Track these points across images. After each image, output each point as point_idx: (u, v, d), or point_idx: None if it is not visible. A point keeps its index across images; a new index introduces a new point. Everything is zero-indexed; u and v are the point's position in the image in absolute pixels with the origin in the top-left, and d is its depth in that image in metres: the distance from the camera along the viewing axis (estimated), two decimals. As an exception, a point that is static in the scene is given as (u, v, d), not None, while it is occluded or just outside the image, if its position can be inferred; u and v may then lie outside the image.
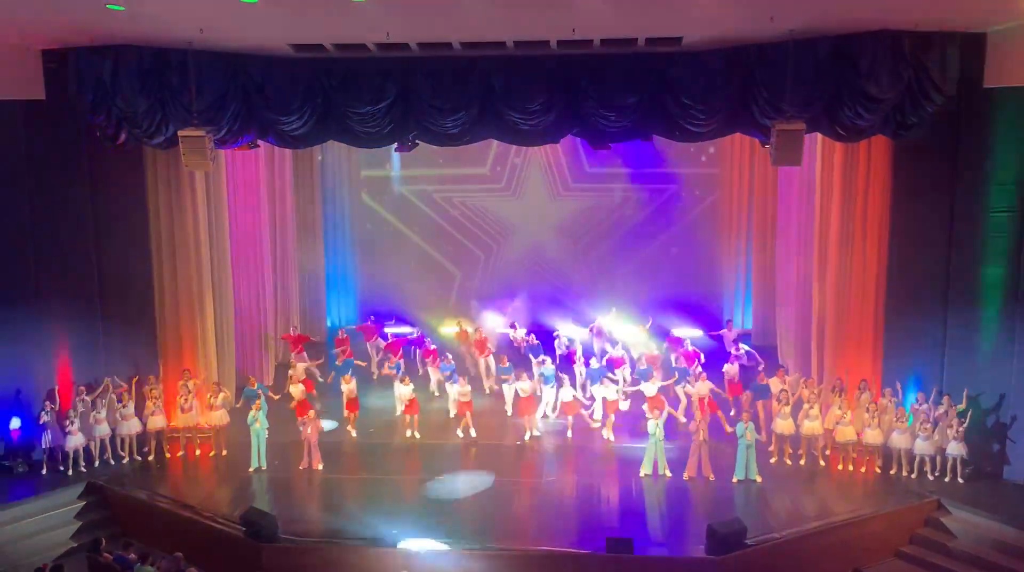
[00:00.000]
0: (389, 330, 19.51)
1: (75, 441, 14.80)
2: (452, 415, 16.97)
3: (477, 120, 14.46)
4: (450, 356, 17.93)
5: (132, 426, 15.40)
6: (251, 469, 15.12)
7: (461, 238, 22.23)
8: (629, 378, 17.26)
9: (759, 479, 14.44)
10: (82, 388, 15.32)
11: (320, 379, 18.03)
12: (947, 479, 14.12)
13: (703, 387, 16.12)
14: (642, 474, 14.67)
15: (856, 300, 15.31)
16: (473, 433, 16.31)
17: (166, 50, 13.79)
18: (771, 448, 15.20)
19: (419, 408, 16.50)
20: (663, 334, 19.01)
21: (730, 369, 17.03)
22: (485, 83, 14.12)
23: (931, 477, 14.22)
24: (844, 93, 13.18)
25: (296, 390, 16.21)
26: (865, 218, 15.03)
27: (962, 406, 14.12)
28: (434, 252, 22.34)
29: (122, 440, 15.40)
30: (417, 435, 16.34)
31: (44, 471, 14.80)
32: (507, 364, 17.37)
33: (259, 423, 15.12)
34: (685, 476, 14.54)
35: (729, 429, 14.96)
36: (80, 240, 15.48)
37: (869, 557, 12.97)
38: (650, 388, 16.03)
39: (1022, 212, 13.81)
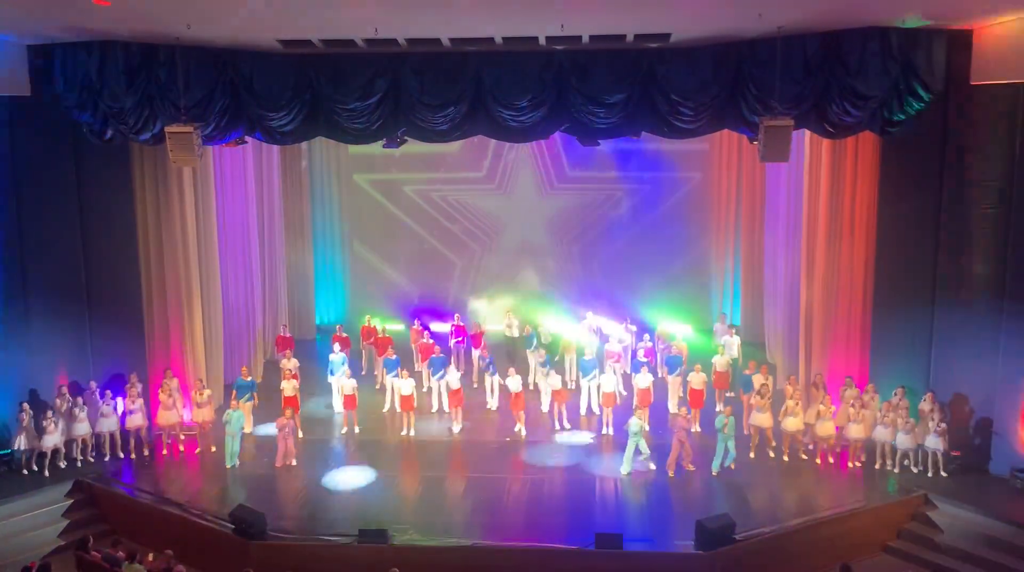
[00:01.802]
0: (380, 326, 19.48)
1: (51, 441, 14.60)
2: (435, 409, 17.13)
3: (466, 116, 14.45)
4: (438, 348, 17.92)
5: (111, 424, 15.29)
6: (228, 466, 15.11)
7: (450, 235, 22.19)
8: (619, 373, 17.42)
9: (732, 465, 14.57)
10: (63, 388, 15.20)
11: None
12: (930, 474, 14.20)
13: (697, 378, 16.23)
14: (623, 473, 14.69)
15: (843, 296, 15.40)
16: (456, 428, 16.42)
17: (153, 46, 13.72)
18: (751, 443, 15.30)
19: (415, 405, 16.53)
20: (651, 330, 19.10)
21: (719, 361, 17.11)
22: (474, 79, 14.10)
23: (914, 471, 14.32)
24: (833, 90, 13.24)
25: (289, 386, 16.22)
26: (853, 214, 15.13)
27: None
28: (423, 249, 22.30)
29: (103, 438, 15.28)
30: (413, 433, 16.39)
31: (24, 471, 14.62)
32: (489, 358, 17.47)
33: (234, 421, 15.04)
34: (671, 474, 14.58)
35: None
36: (67, 238, 15.41)
37: (857, 552, 13.03)
38: (643, 380, 16.11)
39: (1008, 208, 13.87)
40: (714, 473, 14.61)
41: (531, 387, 17.63)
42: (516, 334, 19.31)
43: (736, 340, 17.97)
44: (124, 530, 13.73)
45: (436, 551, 12.61)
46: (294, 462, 15.15)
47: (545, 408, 17.08)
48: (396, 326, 20.45)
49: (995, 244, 14.04)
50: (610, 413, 16.38)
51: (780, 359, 17.86)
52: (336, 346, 17.85)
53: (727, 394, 16.86)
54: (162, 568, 11.63)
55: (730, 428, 14.50)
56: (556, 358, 17.89)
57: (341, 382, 16.64)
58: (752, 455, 15.14)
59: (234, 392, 16.10)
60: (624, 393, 17.11)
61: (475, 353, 18.67)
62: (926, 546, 13.21)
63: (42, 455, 14.66)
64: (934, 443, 14.11)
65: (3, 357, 15.03)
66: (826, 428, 14.76)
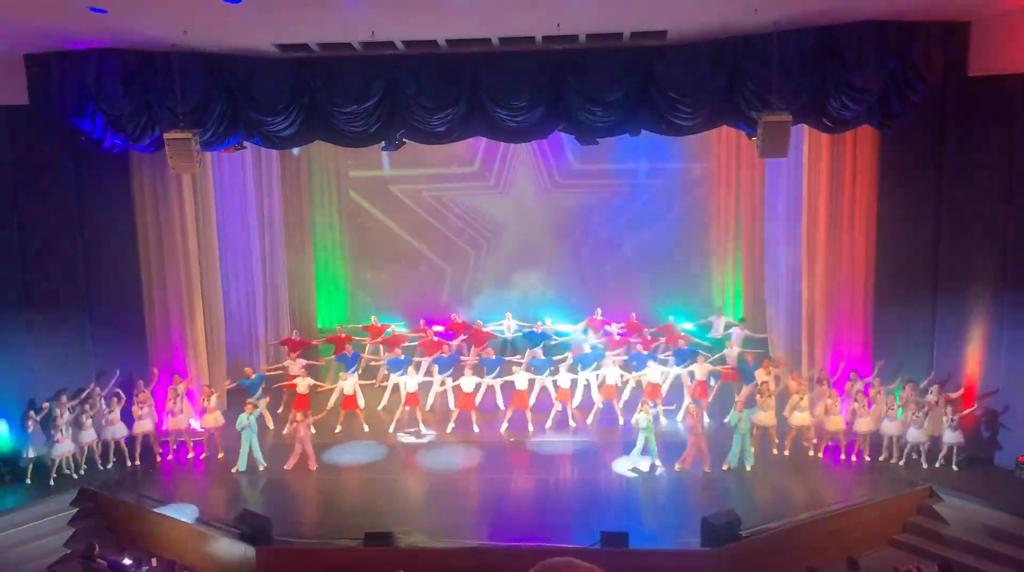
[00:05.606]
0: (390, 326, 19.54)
1: (62, 449, 14.60)
2: (452, 407, 17.04)
3: (464, 118, 14.44)
4: (447, 348, 17.87)
5: (118, 431, 15.26)
6: (241, 471, 15.02)
7: (451, 236, 22.13)
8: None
9: (748, 467, 14.50)
10: (63, 397, 15.14)
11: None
12: (938, 464, 14.20)
13: (702, 369, 16.22)
14: (647, 469, 14.66)
15: (845, 289, 15.39)
16: (476, 428, 16.41)
17: (150, 53, 13.74)
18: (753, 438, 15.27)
19: (419, 402, 16.53)
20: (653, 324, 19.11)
21: (729, 353, 17.12)
22: (471, 80, 14.10)
23: (924, 465, 14.29)
24: (830, 84, 13.24)
25: (303, 384, 16.24)
26: (853, 208, 15.11)
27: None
28: (424, 250, 22.27)
29: (109, 445, 15.27)
30: (423, 428, 16.44)
31: (28, 480, 14.59)
32: (493, 357, 17.43)
33: (249, 425, 14.96)
34: (676, 467, 14.57)
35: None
36: (67, 246, 15.41)
37: (863, 545, 13.00)
38: (653, 374, 16.08)
39: (1008, 198, 13.84)
40: (732, 468, 14.54)
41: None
42: (512, 335, 19.28)
43: (741, 332, 17.98)
44: (130, 537, 13.74)
45: (442, 552, 12.62)
46: (313, 466, 15.09)
47: (551, 406, 17.02)
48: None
49: (995, 234, 14.02)
50: (615, 405, 16.36)
51: (783, 354, 17.83)
52: (349, 347, 17.83)
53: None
54: (168, 574, 11.65)
55: (745, 423, 14.47)
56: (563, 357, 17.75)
57: (343, 382, 16.64)
58: (752, 449, 15.11)
59: (247, 391, 16.14)
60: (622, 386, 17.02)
61: (474, 353, 18.62)
62: (931, 539, 13.20)
63: (52, 463, 14.64)
64: (952, 437, 14.05)
65: (4, 366, 15.02)
66: (835, 422, 14.73)
